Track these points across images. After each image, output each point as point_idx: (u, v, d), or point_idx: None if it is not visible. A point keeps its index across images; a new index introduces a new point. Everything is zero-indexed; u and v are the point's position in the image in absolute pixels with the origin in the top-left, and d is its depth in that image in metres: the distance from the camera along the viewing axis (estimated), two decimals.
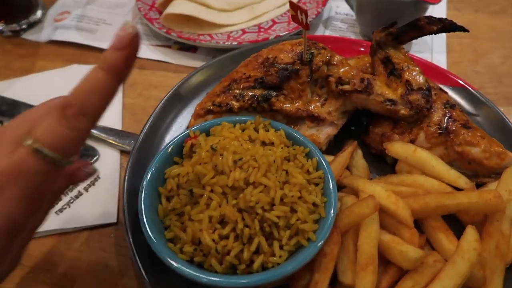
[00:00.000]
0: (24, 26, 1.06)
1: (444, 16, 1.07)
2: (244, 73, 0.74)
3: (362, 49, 0.90)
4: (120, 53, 0.43)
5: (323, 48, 0.73)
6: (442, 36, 1.02)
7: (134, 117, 0.88)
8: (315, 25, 1.05)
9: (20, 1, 1.04)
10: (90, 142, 0.82)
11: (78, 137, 0.43)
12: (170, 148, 0.65)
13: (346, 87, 0.71)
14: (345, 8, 1.08)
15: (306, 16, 0.62)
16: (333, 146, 0.75)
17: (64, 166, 0.42)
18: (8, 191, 0.40)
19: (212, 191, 0.57)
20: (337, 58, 0.73)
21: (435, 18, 0.68)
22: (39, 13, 1.09)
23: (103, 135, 0.82)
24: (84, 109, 0.42)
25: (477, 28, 1.05)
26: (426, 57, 0.96)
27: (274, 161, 0.59)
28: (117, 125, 0.86)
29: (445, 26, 0.68)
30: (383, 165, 0.74)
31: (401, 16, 0.91)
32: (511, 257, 0.59)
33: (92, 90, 0.43)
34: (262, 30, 1.00)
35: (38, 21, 1.09)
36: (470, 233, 0.55)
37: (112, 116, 0.87)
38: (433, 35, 0.99)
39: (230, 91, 0.73)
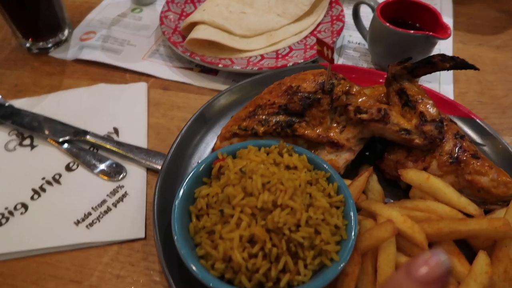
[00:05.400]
0: (50, 45, 1.10)
1: (450, 49, 1.13)
2: (269, 100, 0.79)
3: (381, 80, 0.95)
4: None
5: (343, 79, 0.79)
6: None
7: (158, 137, 0.92)
8: None
9: (48, 20, 1.08)
10: (117, 159, 0.86)
11: None
12: (200, 168, 0.69)
13: (364, 116, 0.76)
14: (357, 37, 1.14)
15: (332, 52, 0.67)
16: (349, 171, 0.80)
17: None
18: None
19: (242, 211, 0.61)
20: (355, 88, 0.79)
21: (448, 56, 0.74)
22: (66, 32, 1.13)
23: (130, 154, 0.86)
24: None
25: (481, 61, 1.10)
26: (434, 87, 1.01)
27: (299, 185, 0.64)
28: (143, 144, 0.90)
29: (457, 64, 0.74)
30: (397, 189, 0.79)
31: (412, 48, 0.97)
32: None
33: None
34: (280, 56, 1.05)
35: (65, 40, 1.13)
36: (482, 258, 0.59)
37: (138, 135, 0.91)
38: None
39: (256, 116, 0.78)
